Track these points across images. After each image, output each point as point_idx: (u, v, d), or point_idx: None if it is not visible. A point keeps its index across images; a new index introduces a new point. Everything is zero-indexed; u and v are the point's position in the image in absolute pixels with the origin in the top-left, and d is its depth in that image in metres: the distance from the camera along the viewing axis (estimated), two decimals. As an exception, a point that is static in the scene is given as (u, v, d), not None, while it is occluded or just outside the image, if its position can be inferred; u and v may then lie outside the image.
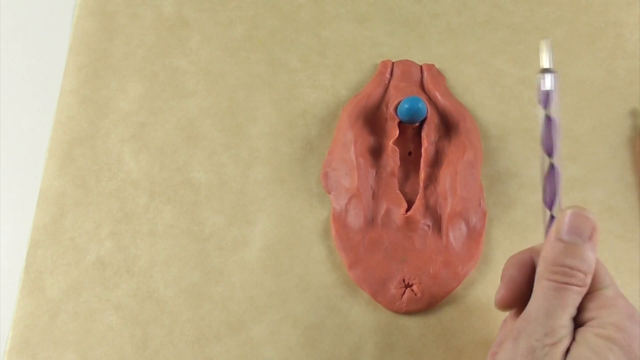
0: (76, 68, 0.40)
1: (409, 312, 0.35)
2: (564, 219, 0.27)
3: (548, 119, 0.29)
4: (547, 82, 0.29)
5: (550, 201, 0.29)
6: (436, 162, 0.38)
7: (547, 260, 0.27)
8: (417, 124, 0.38)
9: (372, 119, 0.39)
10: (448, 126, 0.39)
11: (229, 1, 0.42)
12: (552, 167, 0.29)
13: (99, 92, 0.40)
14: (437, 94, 0.39)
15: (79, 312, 0.35)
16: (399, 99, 0.38)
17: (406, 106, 0.37)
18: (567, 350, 0.26)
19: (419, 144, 0.38)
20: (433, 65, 0.41)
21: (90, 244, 0.36)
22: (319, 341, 0.35)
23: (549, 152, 0.29)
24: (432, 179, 0.38)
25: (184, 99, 0.40)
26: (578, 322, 0.27)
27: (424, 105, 0.37)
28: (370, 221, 0.37)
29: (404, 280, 0.35)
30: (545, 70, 0.29)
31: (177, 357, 0.34)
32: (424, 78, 0.40)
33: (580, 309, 0.27)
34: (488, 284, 0.36)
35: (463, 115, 0.38)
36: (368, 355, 0.34)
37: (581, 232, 0.27)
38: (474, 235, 0.36)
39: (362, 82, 0.41)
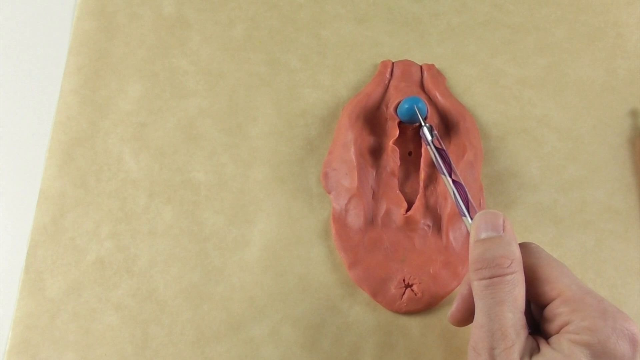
0: (76, 68, 0.40)
1: (409, 312, 0.35)
2: (476, 222, 0.29)
3: (437, 149, 0.34)
4: (426, 132, 0.35)
5: (468, 211, 0.32)
6: (436, 162, 0.38)
7: (471, 264, 0.28)
8: (417, 124, 0.38)
9: (372, 119, 0.39)
10: (448, 126, 0.39)
11: (229, 1, 0.42)
12: (455, 183, 0.33)
13: (99, 92, 0.40)
14: (437, 94, 0.39)
15: (79, 312, 0.35)
16: (399, 99, 0.38)
17: (406, 106, 0.37)
18: (535, 351, 0.26)
19: (419, 144, 0.38)
20: (433, 65, 0.41)
21: (90, 244, 0.36)
22: (319, 341, 0.35)
23: (448, 173, 0.33)
24: (432, 179, 0.38)
25: (184, 99, 0.40)
26: (553, 328, 0.27)
27: (424, 105, 0.37)
28: (370, 221, 0.37)
29: (404, 280, 0.35)
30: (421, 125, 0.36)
31: (177, 357, 0.34)
32: (424, 78, 0.40)
33: (553, 315, 0.27)
34: (488, 284, 0.36)
35: (463, 115, 0.38)
36: (368, 355, 0.34)
37: (494, 226, 0.29)
38: (474, 235, 0.36)
39: (362, 82, 0.40)
